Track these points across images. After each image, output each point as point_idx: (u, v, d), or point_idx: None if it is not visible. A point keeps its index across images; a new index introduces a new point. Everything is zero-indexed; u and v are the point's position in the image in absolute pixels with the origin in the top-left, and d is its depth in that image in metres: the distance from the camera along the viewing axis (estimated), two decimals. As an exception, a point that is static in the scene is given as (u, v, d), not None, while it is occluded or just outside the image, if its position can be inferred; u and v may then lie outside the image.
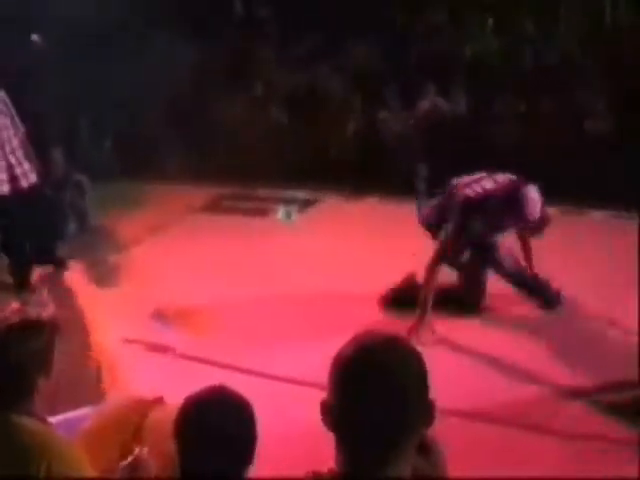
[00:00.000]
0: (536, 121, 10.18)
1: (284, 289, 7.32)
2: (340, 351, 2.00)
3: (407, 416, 1.95)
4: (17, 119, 7.81)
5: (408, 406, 1.94)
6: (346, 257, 7.97)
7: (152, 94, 10.62)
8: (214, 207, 10.20)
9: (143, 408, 3.43)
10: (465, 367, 5.98)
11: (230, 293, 7.31)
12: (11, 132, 7.73)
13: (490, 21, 11.77)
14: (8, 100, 7.79)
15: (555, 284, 6.84)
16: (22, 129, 7.83)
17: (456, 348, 6.24)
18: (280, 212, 9.82)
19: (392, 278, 7.01)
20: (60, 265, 8.38)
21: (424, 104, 10.75)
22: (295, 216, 9.73)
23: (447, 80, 10.94)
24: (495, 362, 6.01)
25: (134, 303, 7.28)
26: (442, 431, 2.16)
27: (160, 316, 7.02)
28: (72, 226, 9.41)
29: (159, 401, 3.49)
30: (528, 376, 5.78)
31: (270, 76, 12.25)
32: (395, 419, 1.94)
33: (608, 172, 8.94)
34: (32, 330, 3.14)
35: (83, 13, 10.09)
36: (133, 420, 3.36)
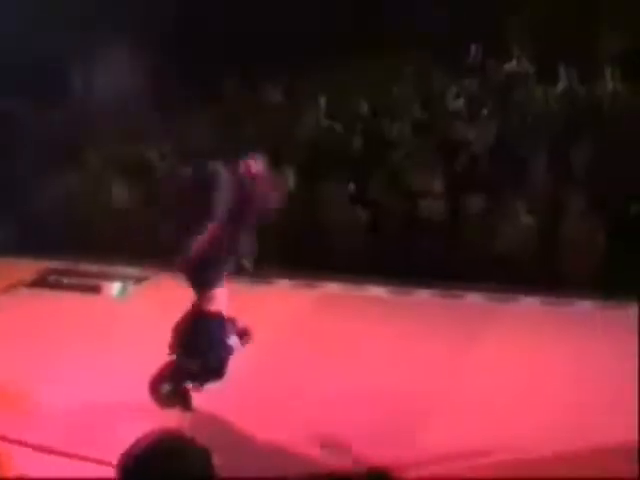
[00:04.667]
0: (368, 202, 10.41)
1: (112, 369, 7.15)
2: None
3: None
4: None
5: None
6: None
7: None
8: (42, 282, 9.89)
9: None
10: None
11: (57, 372, 7.06)
12: None
13: (323, 101, 12.06)
14: None
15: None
16: None
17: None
18: (114, 288, 9.59)
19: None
20: None
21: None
22: (129, 293, 9.54)
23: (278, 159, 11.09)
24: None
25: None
26: None
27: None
28: None
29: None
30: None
31: (107, 149, 12.16)
32: None
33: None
34: None
35: None
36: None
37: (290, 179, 10.81)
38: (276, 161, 10.97)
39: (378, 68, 12.43)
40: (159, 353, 7.28)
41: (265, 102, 12.68)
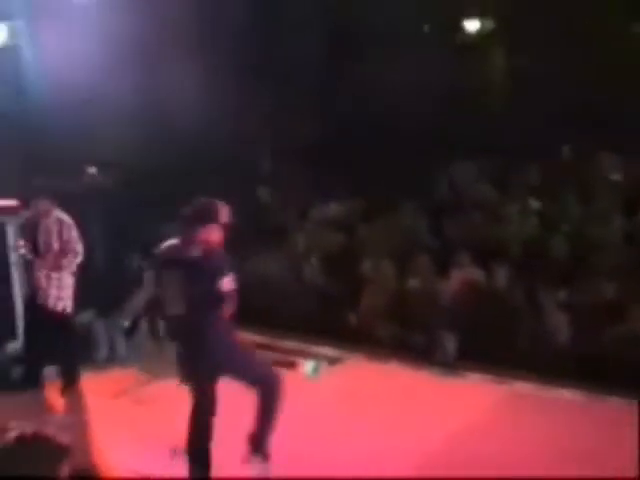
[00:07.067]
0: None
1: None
2: None
3: None
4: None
5: None
6: (371, 422, 8.02)
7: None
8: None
9: None
10: None
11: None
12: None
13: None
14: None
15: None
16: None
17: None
18: (307, 366, 9.69)
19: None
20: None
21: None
22: (322, 372, 9.64)
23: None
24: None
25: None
26: None
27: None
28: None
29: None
30: None
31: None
32: None
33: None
34: (44, 450, 3.11)
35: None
36: None
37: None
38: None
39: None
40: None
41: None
